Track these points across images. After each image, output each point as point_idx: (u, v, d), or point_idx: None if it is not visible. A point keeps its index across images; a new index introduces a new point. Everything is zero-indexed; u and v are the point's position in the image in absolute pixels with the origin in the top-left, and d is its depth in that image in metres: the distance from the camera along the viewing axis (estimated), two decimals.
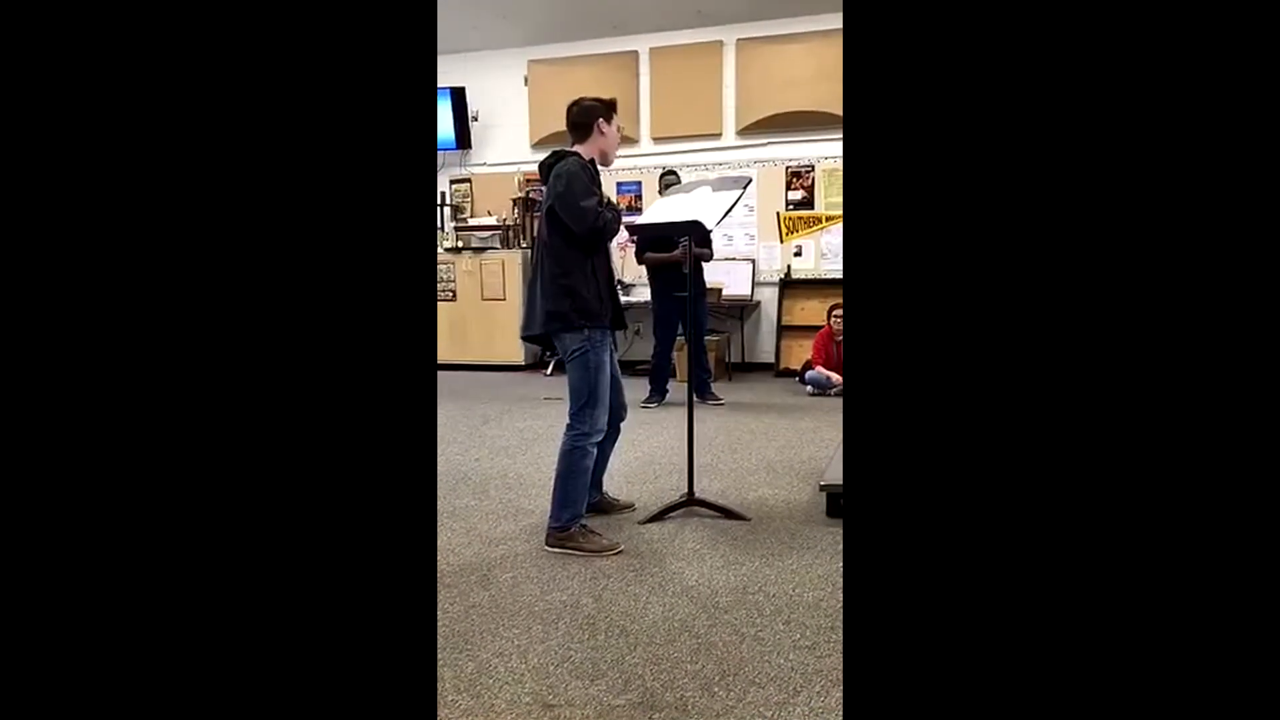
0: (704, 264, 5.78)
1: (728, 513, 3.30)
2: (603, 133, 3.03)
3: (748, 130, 7.44)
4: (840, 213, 7.16)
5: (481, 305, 7.75)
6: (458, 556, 2.94)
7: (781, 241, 7.50)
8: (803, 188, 7.42)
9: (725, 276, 7.22)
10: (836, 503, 3.26)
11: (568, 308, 2.90)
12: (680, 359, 6.52)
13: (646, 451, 4.44)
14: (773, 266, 7.52)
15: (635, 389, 5.50)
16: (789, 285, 7.40)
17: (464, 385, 6.80)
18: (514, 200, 7.88)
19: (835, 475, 3.26)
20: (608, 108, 3.05)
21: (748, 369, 7.49)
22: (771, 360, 7.40)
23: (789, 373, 7.01)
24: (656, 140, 7.72)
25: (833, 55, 6.88)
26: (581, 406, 2.96)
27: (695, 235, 3.39)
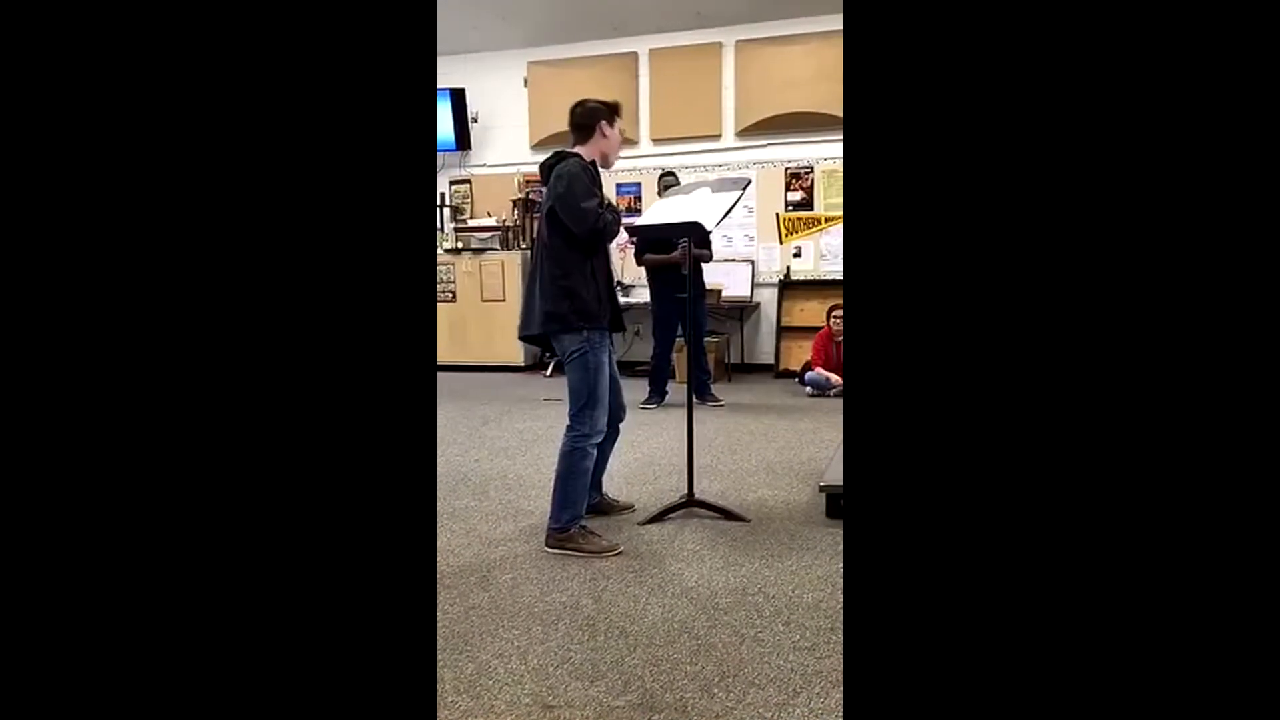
0: (703, 265, 5.79)
1: (727, 514, 3.30)
2: (605, 135, 3.03)
3: (747, 131, 7.45)
4: (839, 214, 7.16)
5: (481, 306, 7.75)
6: (457, 558, 2.94)
7: (781, 243, 7.50)
8: (802, 189, 7.43)
9: (725, 278, 7.22)
10: (836, 504, 3.26)
11: (567, 309, 2.90)
12: (680, 360, 6.52)
13: (646, 453, 4.44)
14: (772, 268, 7.52)
15: (635, 390, 5.51)
16: (788, 286, 7.40)
17: (464, 386, 6.80)
18: (514, 201, 7.89)
19: (835, 476, 3.26)
20: (611, 110, 3.06)
21: (747, 370, 7.49)
22: (771, 361, 7.40)
23: (788, 374, 7.01)
24: (656, 141, 7.73)
25: (832, 56, 6.89)
26: (581, 408, 2.96)
27: (695, 236, 3.39)
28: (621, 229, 3.12)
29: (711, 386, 5.99)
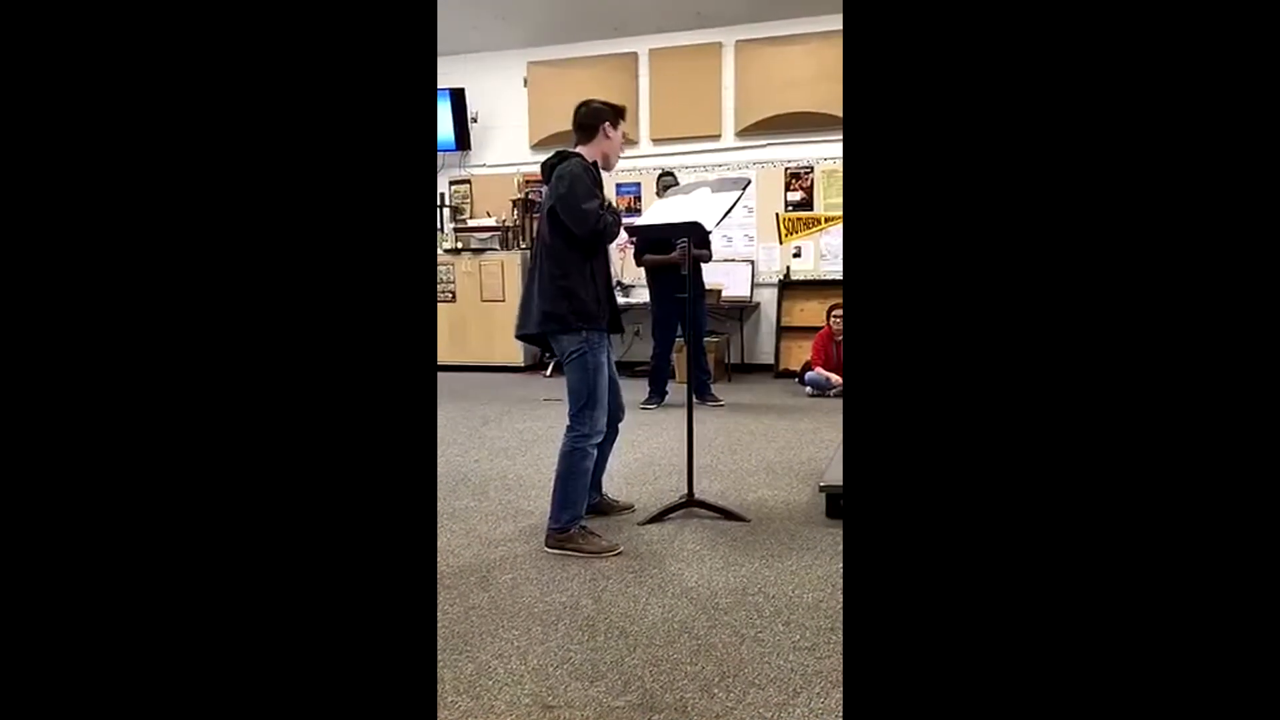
0: (703, 265, 5.79)
1: (727, 514, 3.30)
2: (608, 136, 3.04)
3: (747, 131, 7.45)
4: (839, 214, 7.16)
5: (481, 306, 7.75)
6: (457, 558, 2.94)
7: (781, 243, 7.50)
8: (802, 189, 7.43)
9: (724, 278, 7.22)
10: (836, 504, 3.26)
11: (565, 309, 2.90)
12: (680, 360, 6.52)
13: (646, 453, 4.43)
14: (772, 268, 7.52)
15: (634, 390, 5.51)
16: (788, 286, 7.40)
17: (463, 386, 6.80)
18: (513, 201, 7.89)
19: (835, 476, 3.26)
20: (615, 112, 3.06)
21: (747, 370, 7.49)
22: (771, 361, 7.40)
23: (788, 374, 7.01)
24: (656, 141, 7.73)
25: (831, 56, 6.89)
26: (581, 408, 2.96)
27: (694, 236, 3.39)
28: (621, 229, 3.12)
29: (711, 386, 5.99)
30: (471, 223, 8.05)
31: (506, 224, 7.89)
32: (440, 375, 5.80)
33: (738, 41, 7.35)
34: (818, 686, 2.01)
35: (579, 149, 3.03)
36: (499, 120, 8.11)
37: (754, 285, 7.48)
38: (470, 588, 2.66)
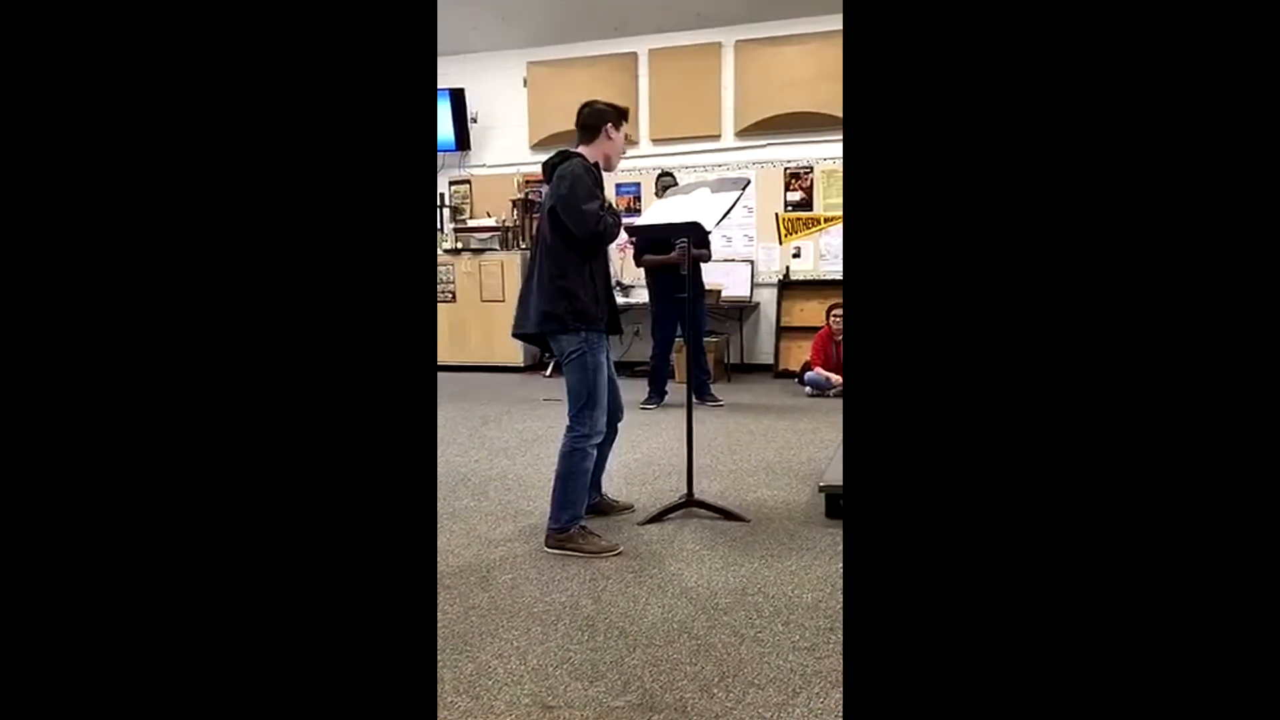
0: (703, 265, 5.79)
1: (727, 514, 3.30)
2: (610, 137, 3.04)
3: (746, 132, 7.45)
4: (839, 214, 7.16)
5: (481, 306, 7.75)
6: (457, 558, 2.94)
7: (780, 243, 7.50)
8: (801, 189, 7.43)
9: (724, 278, 7.22)
10: (836, 504, 3.27)
11: (564, 310, 2.90)
12: (679, 360, 6.52)
13: (645, 453, 4.44)
14: (771, 268, 7.52)
15: (634, 390, 5.51)
16: (788, 286, 7.40)
17: (463, 386, 6.79)
18: (513, 202, 7.88)
19: (835, 476, 3.26)
20: (618, 114, 3.07)
21: (747, 370, 7.49)
22: (770, 361, 7.40)
23: (788, 374, 7.01)
24: (656, 142, 7.73)
25: (831, 56, 6.89)
26: (581, 408, 2.96)
27: (694, 236, 3.39)
28: (621, 230, 3.12)
29: (711, 386, 5.99)
30: (471, 223, 8.05)
31: (506, 224, 7.89)
32: (440, 375, 5.80)
33: (738, 41, 7.35)
34: (817, 686, 2.01)
35: (581, 149, 3.04)
36: (499, 120, 8.11)
37: (754, 285, 7.48)
38: (470, 588, 2.66)
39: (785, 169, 7.43)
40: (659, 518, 3.29)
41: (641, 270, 5.99)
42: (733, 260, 7.46)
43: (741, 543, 3.04)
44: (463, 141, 8.05)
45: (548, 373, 7.33)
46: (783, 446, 4.57)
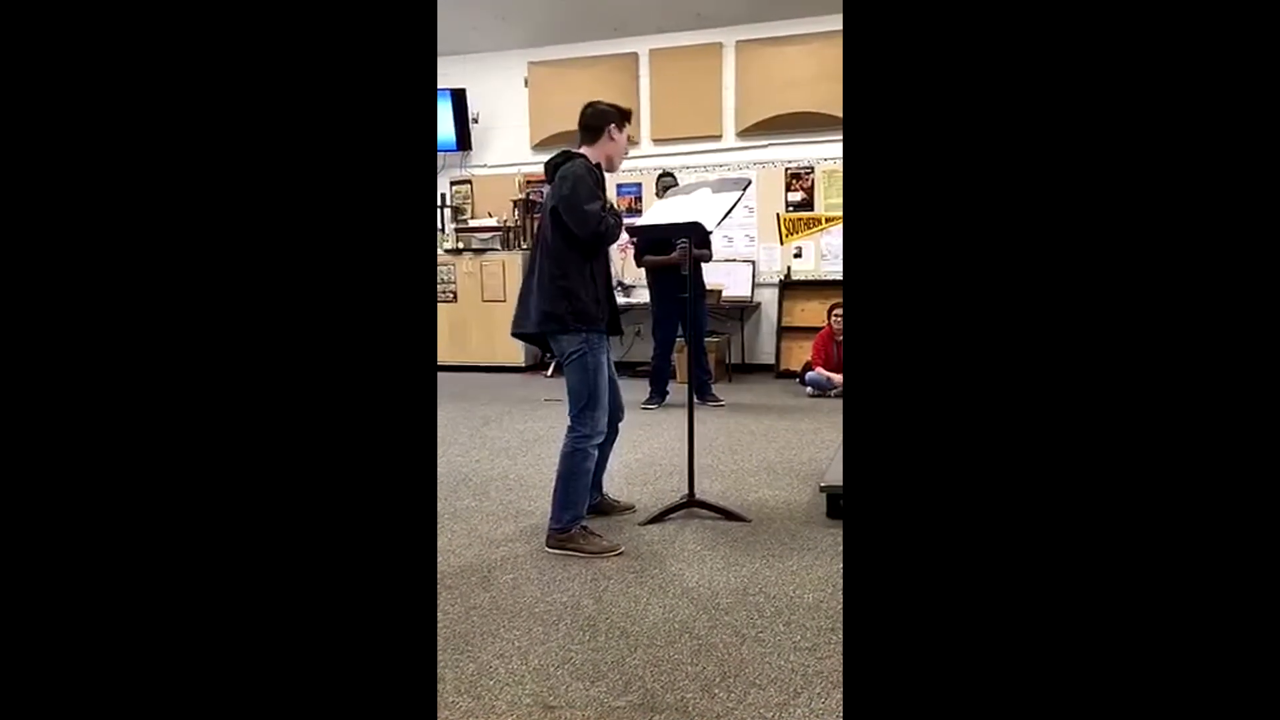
0: (704, 265, 5.78)
1: (728, 514, 3.30)
2: (613, 138, 3.04)
3: (747, 132, 7.44)
4: (839, 214, 7.16)
5: (482, 306, 7.75)
6: (458, 558, 2.94)
7: (781, 243, 7.50)
8: (802, 189, 7.42)
9: (725, 278, 7.22)
10: (836, 504, 3.26)
11: (564, 310, 2.90)
12: (680, 360, 6.52)
13: (647, 453, 4.44)
14: (772, 268, 7.51)
15: (635, 390, 5.51)
16: (789, 286, 7.40)
17: (464, 387, 6.80)
18: (514, 202, 7.88)
19: (835, 476, 3.26)
20: (622, 115, 3.07)
21: (748, 370, 7.48)
22: (771, 361, 7.40)
23: (789, 374, 7.01)
24: (656, 142, 7.72)
25: (831, 56, 6.88)
26: (582, 409, 2.96)
27: (695, 236, 3.39)
28: (623, 230, 3.12)
29: (712, 387, 5.99)
30: (472, 223, 8.05)
31: (507, 224, 7.89)
32: (441, 375, 5.80)
33: (738, 42, 7.34)
34: (818, 687, 2.01)
35: (583, 150, 3.04)
36: (500, 120, 8.11)
37: (755, 285, 7.47)
38: (471, 588, 2.66)
39: (786, 169, 7.42)
40: (660, 518, 3.29)
41: (642, 270, 5.99)
42: (734, 260, 7.46)
43: (743, 543, 3.04)
44: (464, 141, 8.05)
45: (549, 373, 7.32)
46: (784, 446, 4.57)
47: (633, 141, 7.34)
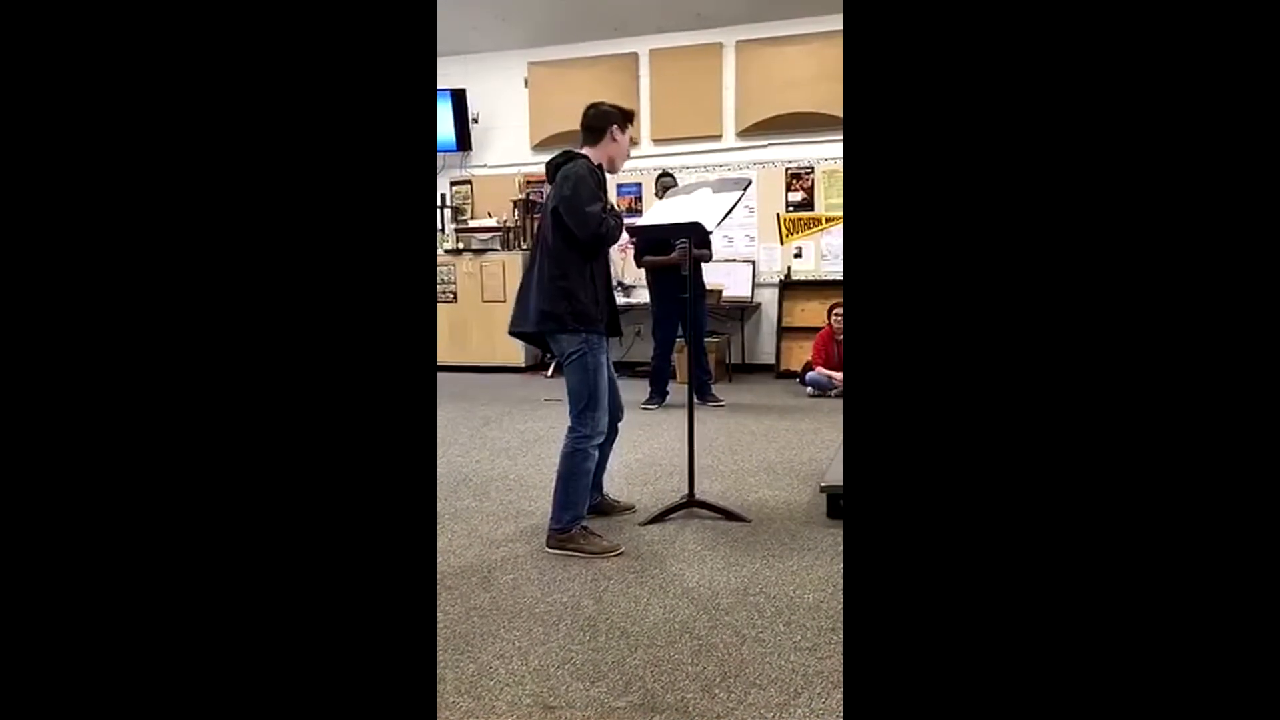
0: (704, 265, 5.78)
1: (728, 514, 3.30)
2: (615, 140, 3.04)
3: (747, 132, 7.45)
4: (840, 214, 7.16)
5: (482, 307, 7.75)
6: (459, 558, 2.94)
7: (781, 243, 7.50)
8: (802, 189, 7.42)
9: (725, 278, 7.22)
10: (837, 504, 3.26)
11: (564, 310, 2.89)
12: (680, 360, 6.52)
13: (647, 453, 4.44)
14: (773, 268, 7.52)
15: (635, 391, 5.51)
16: (789, 286, 7.40)
17: (464, 387, 6.80)
18: (514, 202, 7.89)
19: (835, 477, 3.26)
20: (624, 116, 3.07)
21: (748, 370, 7.48)
22: (772, 362, 7.40)
23: (789, 374, 7.01)
24: (656, 142, 7.73)
25: (832, 56, 6.88)
26: (582, 409, 2.96)
27: (695, 237, 3.39)
28: (623, 231, 3.12)
29: (712, 387, 5.99)
30: (472, 223, 8.05)
31: (507, 224, 7.89)
32: (441, 376, 5.80)
33: (738, 42, 7.35)
34: (819, 687, 2.01)
35: (585, 150, 3.04)
36: (500, 121, 8.12)
37: (755, 285, 7.47)
38: (472, 588, 2.66)
39: (786, 169, 7.42)
40: (660, 518, 3.29)
41: (642, 271, 5.99)
42: (734, 260, 7.46)
43: (743, 543, 3.04)
44: (464, 142, 8.05)
45: (549, 373, 7.33)
46: (784, 447, 4.57)
47: (634, 142, 7.34)
